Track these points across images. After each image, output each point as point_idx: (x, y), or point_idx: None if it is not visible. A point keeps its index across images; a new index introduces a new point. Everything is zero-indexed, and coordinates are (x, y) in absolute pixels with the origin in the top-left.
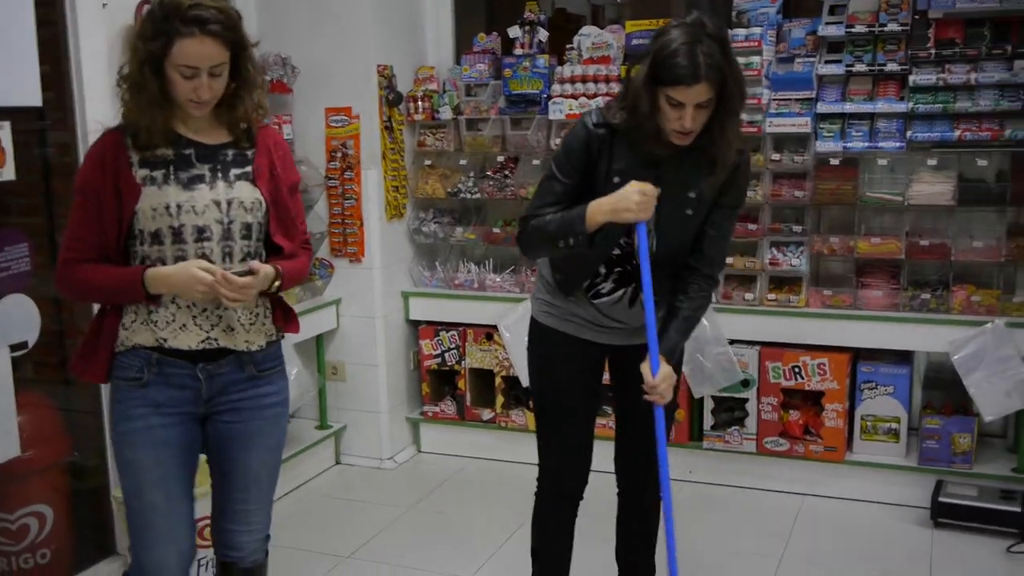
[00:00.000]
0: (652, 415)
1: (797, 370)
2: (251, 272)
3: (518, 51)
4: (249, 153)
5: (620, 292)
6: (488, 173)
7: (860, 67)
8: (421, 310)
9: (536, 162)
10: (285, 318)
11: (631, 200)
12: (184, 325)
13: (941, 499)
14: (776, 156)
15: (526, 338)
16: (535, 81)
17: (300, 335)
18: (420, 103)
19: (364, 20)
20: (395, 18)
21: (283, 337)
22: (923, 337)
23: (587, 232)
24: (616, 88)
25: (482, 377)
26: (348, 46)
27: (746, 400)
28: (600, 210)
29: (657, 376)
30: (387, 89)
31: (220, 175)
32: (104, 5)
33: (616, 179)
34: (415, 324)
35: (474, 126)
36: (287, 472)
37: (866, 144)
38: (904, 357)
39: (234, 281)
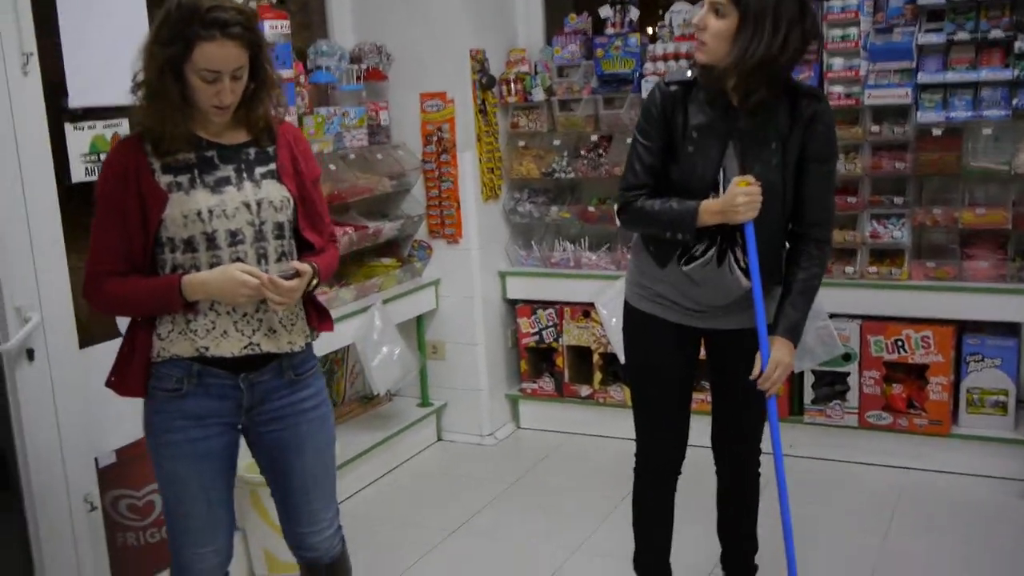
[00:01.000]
0: (747, 395)
1: (900, 343)
2: (297, 274)
3: (609, 31)
4: (271, 150)
5: (711, 252)
6: (582, 152)
7: (962, 35)
8: (518, 289)
9: (629, 140)
10: (320, 317)
11: (736, 202)
12: (225, 332)
13: None
14: (875, 128)
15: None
16: (627, 60)
17: (401, 316)
18: (513, 85)
19: (455, 5)
20: (485, 2)
21: (317, 337)
22: None
23: (695, 230)
24: None
25: (580, 354)
26: (440, 32)
27: (847, 374)
28: (710, 212)
29: (768, 366)
30: (480, 73)
31: (246, 175)
32: None
33: (694, 134)
34: (512, 303)
35: (567, 106)
36: (391, 449)
37: (970, 113)
38: (1011, 329)
39: (281, 285)
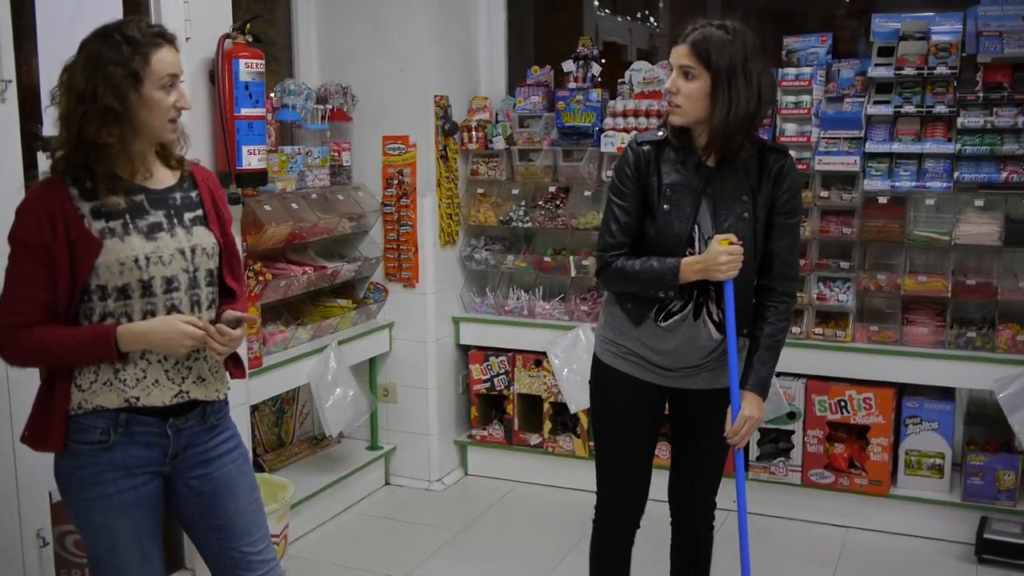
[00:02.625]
0: (707, 451)
1: (843, 404)
2: (239, 322)
3: (571, 84)
4: (194, 195)
5: (688, 307)
6: (539, 203)
7: (909, 108)
8: (471, 335)
9: (587, 193)
10: (235, 364)
11: (719, 261)
12: (157, 380)
13: (986, 536)
14: (824, 193)
15: (574, 365)
16: (588, 114)
17: (355, 357)
18: (474, 132)
19: (421, 51)
20: (451, 50)
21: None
22: (968, 374)
23: (677, 286)
24: None
25: (530, 402)
26: (406, 76)
27: (792, 432)
28: (692, 269)
29: (736, 421)
30: (443, 119)
31: (176, 221)
32: (187, 39)
33: (668, 192)
34: (465, 349)
35: (526, 156)
36: (339, 492)
37: (914, 183)
38: (948, 393)
39: (228, 333)
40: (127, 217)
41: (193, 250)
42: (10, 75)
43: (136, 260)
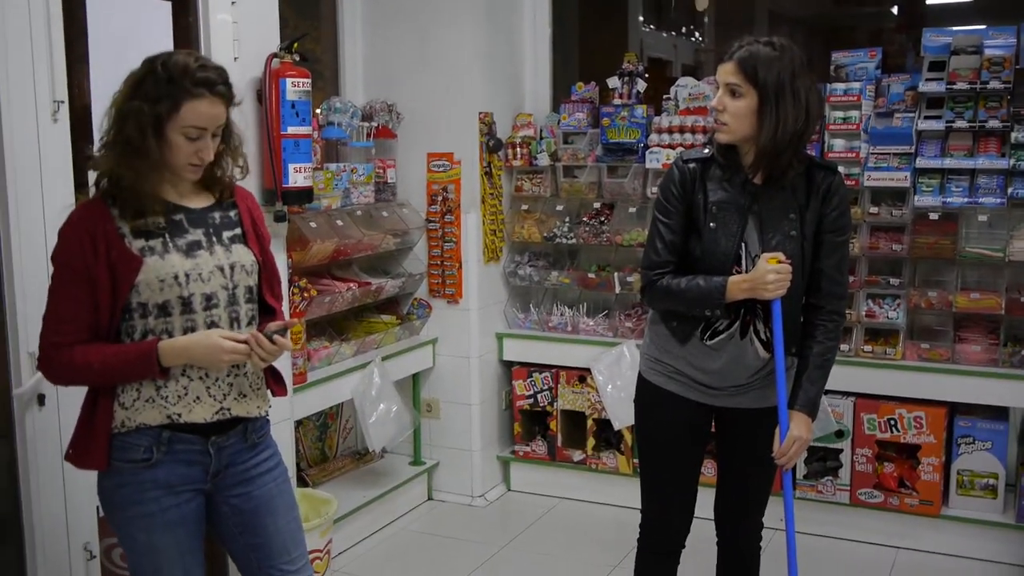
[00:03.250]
0: (754, 471)
1: (893, 422)
2: (285, 329)
3: (616, 101)
4: (233, 214)
5: (735, 326)
6: (584, 219)
7: (961, 123)
8: (515, 351)
9: (632, 209)
10: (276, 381)
11: (767, 280)
12: (198, 397)
13: None
14: (874, 209)
15: (618, 381)
16: (633, 131)
17: (398, 373)
18: (518, 149)
19: (467, 68)
20: (496, 66)
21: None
22: (1023, 393)
23: (724, 305)
24: None
25: (573, 419)
26: (451, 94)
27: (840, 451)
28: (739, 288)
29: (785, 442)
30: (487, 136)
31: (215, 239)
32: (236, 59)
33: (714, 210)
34: (508, 365)
35: (571, 172)
36: (382, 507)
37: (966, 199)
38: (1001, 412)
39: (265, 344)
40: (166, 236)
41: (232, 267)
42: (62, 95)
43: (176, 277)
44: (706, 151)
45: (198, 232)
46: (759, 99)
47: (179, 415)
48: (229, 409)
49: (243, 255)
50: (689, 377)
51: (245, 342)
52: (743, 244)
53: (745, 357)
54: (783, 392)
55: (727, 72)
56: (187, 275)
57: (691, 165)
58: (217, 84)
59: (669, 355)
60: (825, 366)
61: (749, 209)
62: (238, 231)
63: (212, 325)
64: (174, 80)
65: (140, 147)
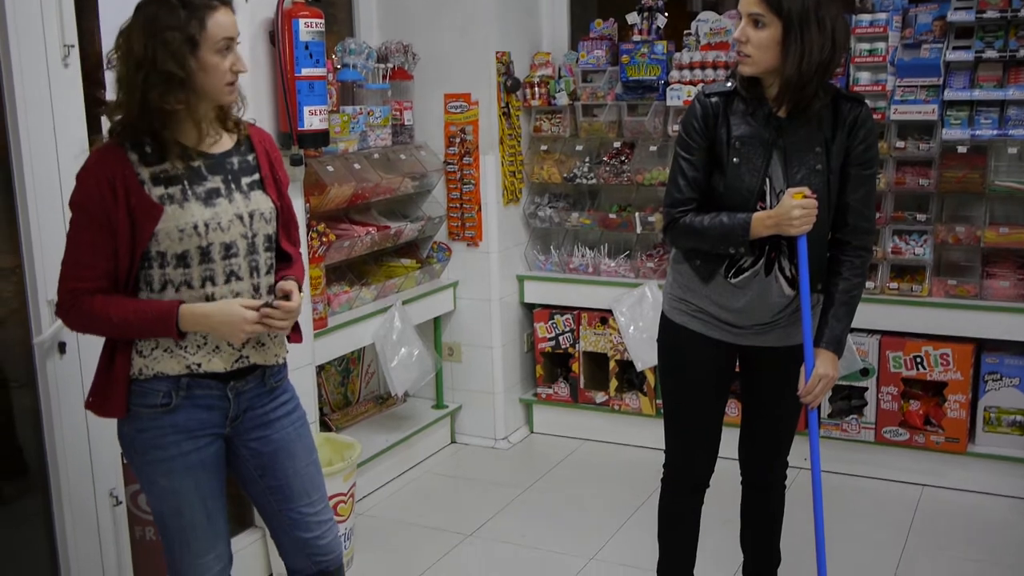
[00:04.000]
0: (779, 411)
1: (919, 360)
2: (286, 295)
3: (636, 37)
4: (251, 159)
5: (759, 263)
6: (604, 159)
7: (991, 53)
8: (536, 293)
9: (653, 148)
10: (293, 328)
11: (792, 216)
12: (217, 347)
13: None
14: (900, 143)
15: (640, 322)
16: (653, 67)
17: (419, 317)
18: (537, 89)
19: (483, 7)
20: (512, 5)
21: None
22: None
23: (748, 242)
24: None
25: (596, 360)
26: (467, 34)
27: (865, 389)
28: (764, 225)
29: (811, 379)
30: (505, 75)
31: (234, 186)
32: (246, 0)
33: (738, 145)
34: (530, 307)
35: (590, 112)
36: (406, 451)
37: (995, 131)
38: None
39: (283, 306)
40: (185, 183)
41: (251, 215)
42: (72, 39)
43: (195, 227)
44: (728, 84)
45: (217, 179)
46: (783, 29)
47: (198, 364)
48: (247, 357)
49: (262, 202)
50: (713, 316)
51: (265, 314)
52: (767, 179)
53: (770, 295)
54: (809, 330)
55: (750, 2)
56: (206, 225)
57: (713, 99)
58: None
59: (693, 294)
60: (851, 303)
61: (774, 143)
62: (256, 176)
63: (231, 274)
64: (189, 3)
65: (184, 77)
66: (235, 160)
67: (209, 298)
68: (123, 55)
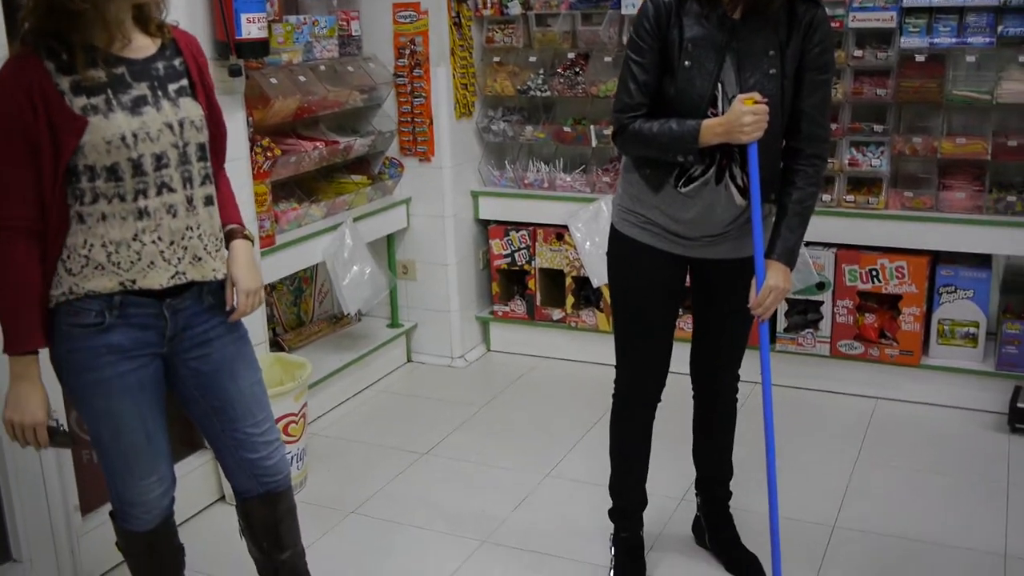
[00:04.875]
0: (730, 323)
1: (874, 273)
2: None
3: None
4: (178, 63)
5: (710, 171)
6: (558, 70)
7: None
8: (491, 209)
9: (608, 59)
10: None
11: (743, 122)
12: (152, 262)
13: (1019, 405)
14: (858, 52)
15: (596, 238)
16: None
17: (371, 234)
18: None
19: None
20: None
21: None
22: (1007, 240)
23: (698, 150)
24: None
25: (552, 277)
26: None
27: (821, 303)
28: (713, 132)
29: (761, 291)
30: None
31: (161, 93)
32: None
33: (690, 47)
34: (485, 224)
35: (544, 22)
36: (361, 370)
37: (954, 40)
38: (984, 261)
39: (247, 303)
40: (109, 92)
41: (181, 124)
42: None
43: (123, 138)
44: None
45: (142, 86)
46: None
47: (133, 281)
48: (184, 273)
49: (191, 109)
50: (662, 227)
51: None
52: (719, 84)
53: (720, 204)
54: (760, 241)
55: None
56: (135, 135)
57: (667, 1)
58: None
59: (642, 204)
60: (804, 213)
61: (727, 46)
62: (184, 82)
63: (163, 186)
64: None
65: None
66: (160, 65)
67: (142, 212)
68: None
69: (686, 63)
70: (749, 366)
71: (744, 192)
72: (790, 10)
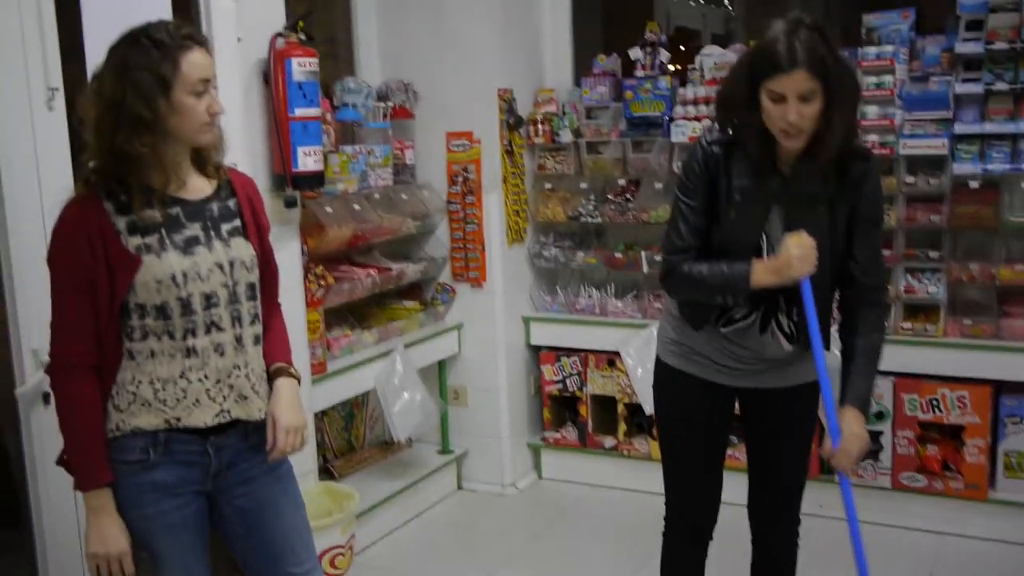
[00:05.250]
0: (784, 460)
1: (935, 403)
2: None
3: (639, 73)
4: (231, 204)
5: (752, 316)
6: (609, 196)
7: (1001, 85)
8: (542, 335)
9: (659, 185)
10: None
11: (792, 255)
12: (198, 400)
13: None
14: (910, 179)
15: (648, 364)
16: (657, 103)
17: (423, 360)
18: (540, 126)
19: (485, 45)
20: (515, 42)
21: None
22: None
23: (748, 292)
24: None
25: (604, 404)
26: (469, 71)
27: (880, 433)
28: (765, 273)
29: (846, 441)
30: (508, 113)
31: (213, 233)
32: (239, 40)
33: (737, 196)
34: (536, 349)
35: (595, 149)
36: (411, 498)
37: (1008, 165)
38: None
39: (288, 442)
40: (163, 232)
41: (232, 264)
42: (57, 83)
43: (173, 277)
44: (731, 132)
45: (195, 226)
46: (827, 96)
47: (178, 419)
48: (229, 411)
49: (242, 249)
50: (708, 357)
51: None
52: (764, 235)
53: (767, 350)
54: (828, 388)
55: (799, 80)
56: (184, 274)
57: (715, 148)
58: (197, 35)
59: (686, 336)
60: (873, 357)
61: (774, 198)
62: (237, 223)
63: (212, 325)
64: (162, 43)
65: (152, 119)
66: (215, 206)
67: (190, 350)
68: (95, 98)
69: (732, 212)
70: (807, 498)
71: (792, 339)
72: (840, 163)
